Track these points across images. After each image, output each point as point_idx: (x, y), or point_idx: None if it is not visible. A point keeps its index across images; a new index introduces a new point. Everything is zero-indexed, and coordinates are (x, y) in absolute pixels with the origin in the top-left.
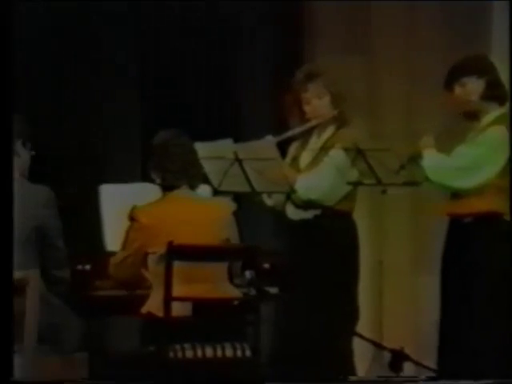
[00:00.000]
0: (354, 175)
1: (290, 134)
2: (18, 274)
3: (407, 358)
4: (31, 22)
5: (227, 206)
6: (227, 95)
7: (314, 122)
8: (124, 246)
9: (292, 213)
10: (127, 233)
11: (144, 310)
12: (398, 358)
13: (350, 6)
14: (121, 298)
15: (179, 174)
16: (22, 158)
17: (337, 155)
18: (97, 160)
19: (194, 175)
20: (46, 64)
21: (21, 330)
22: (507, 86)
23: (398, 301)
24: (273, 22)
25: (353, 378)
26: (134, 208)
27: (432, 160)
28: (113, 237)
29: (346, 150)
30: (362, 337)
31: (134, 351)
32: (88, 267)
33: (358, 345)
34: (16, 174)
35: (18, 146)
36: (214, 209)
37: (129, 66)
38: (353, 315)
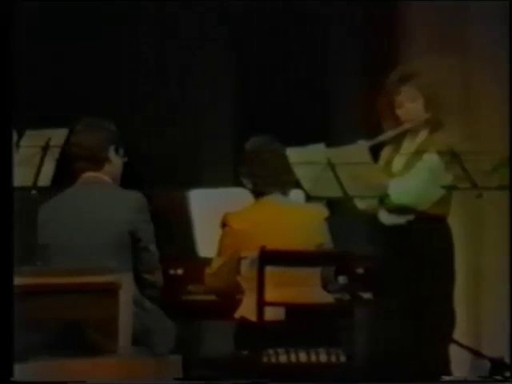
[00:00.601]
0: (448, 179)
1: (382, 138)
2: (111, 278)
3: (508, 367)
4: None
5: (320, 211)
6: (319, 99)
7: (406, 126)
8: (219, 254)
9: (385, 218)
10: (220, 240)
11: (237, 314)
12: (498, 367)
13: (446, 7)
14: (213, 302)
15: (270, 180)
16: (114, 163)
17: (431, 159)
18: (189, 164)
19: (285, 181)
20: (140, 69)
21: (115, 332)
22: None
23: (496, 308)
24: (366, 22)
25: (446, 378)
26: (225, 215)
27: None
28: (204, 241)
29: (440, 153)
30: (459, 344)
31: (227, 355)
32: (180, 272)
33: (456, 353)
34: (108, 180)
35: (111, 152)
36: (307, 214)
37: (222, 71)
38: (448, 321)
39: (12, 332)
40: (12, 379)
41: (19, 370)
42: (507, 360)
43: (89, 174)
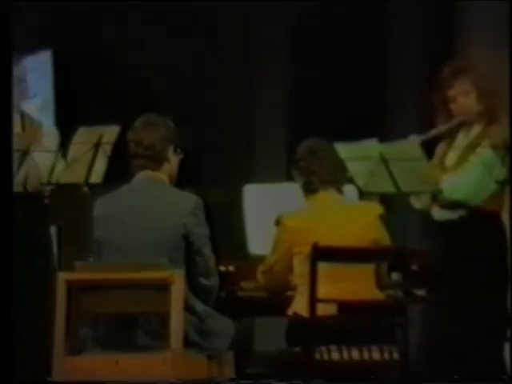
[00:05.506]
0: (502, 173)
1: (434, 132)
2: (163, 274)
3: None
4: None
5: (374, 208)
6: (373, 94)
7: (458, 119)
8: (272, 251)
9: (437, 214)
10: (275, 237)
11: (290, 310)
12: None
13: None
14: (265, 298)
15: (327, 177)
16: (172, 163)
17: (485, 153)
18: (241, 159)
19: (340, 179)
20: (197, 67)
21: (166, 328)
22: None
23: None
24: (420, 20)
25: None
26: (280, 213)
27: None
28: (256, 239)
29: (494, 147)
30: None
31: (280, 352)
32: (231, 268)
33: None
34: (166, 180)
35: (170, 152)
36: (361, 212)
37: (274, 67)
38: (502, 318)
39: (12, 332)
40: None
41: (71, 363)
42: None
43: (147, 173)
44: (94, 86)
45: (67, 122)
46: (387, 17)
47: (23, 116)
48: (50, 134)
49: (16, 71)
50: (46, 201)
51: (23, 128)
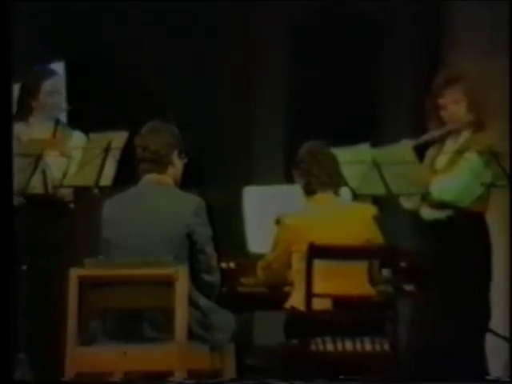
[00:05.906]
0: (487, 177)
1: (426, 137)
2: (168, 270)
3: None
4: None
5: (369, 209)
6: (364, 99)
7: (449, 127)
8: (273, 249)
9: (426, 213)
10: (275, 236)
11: (288, 305)
12: None
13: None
14: (265, 294)
15: (325, 179)
16: (176, 167)
17: (471, 158)
18: (241, 160)
19: (337, 182)
20: (197, 67)
21: (171, 324)
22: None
23: None
24: (412, 23)
25: (488, 378)
26: (281, 214)
27: None
28: (255, 235)
29: (480, 152)
30: (497, 334)
31: (278, 344)
32: (232, 265)
33: (493, 343)
34: (171, 183)
35: (174, 156)
36: (357, 212)
37: (274, 67)
38: (484, 314)
39: (12, 332)
40: (12, 379)
41: (82, 354)
42: None
43: (153, 176)
44: (93, 85)
45: (66, 120)
46: (387, 17)
47: (57, 123)
48: (78, 142)
49: (51, 83)
50: (71, 205)
51: (54, 135)
